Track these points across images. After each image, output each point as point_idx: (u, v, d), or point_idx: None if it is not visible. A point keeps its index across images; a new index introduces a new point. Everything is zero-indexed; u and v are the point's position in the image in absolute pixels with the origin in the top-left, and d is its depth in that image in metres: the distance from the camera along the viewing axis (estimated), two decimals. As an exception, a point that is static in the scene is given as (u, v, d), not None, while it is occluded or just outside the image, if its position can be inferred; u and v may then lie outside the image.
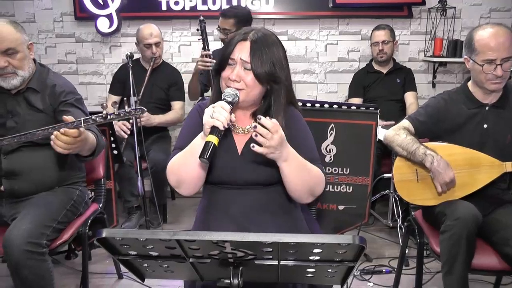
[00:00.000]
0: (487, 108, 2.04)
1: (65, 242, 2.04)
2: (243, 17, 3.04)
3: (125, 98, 1.98)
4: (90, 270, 2.48)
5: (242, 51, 1.51)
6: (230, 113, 1.42)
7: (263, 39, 1.53)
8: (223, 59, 1.55)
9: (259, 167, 1.54)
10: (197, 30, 3.01)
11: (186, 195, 1.58)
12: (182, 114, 3.45)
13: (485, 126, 2.03)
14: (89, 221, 2.18)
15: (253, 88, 1.52)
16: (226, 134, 1.53)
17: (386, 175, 2.99)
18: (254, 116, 1.61)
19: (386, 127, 2.71)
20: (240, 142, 1.60)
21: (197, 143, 1.46)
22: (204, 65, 2.99)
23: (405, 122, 2.15)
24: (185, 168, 1.51)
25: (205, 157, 1.35)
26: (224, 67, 1.54)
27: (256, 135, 1.36)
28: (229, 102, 1.44)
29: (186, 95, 3.43)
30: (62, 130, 1.71)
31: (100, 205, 2.35)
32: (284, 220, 1.60)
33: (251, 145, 1.38)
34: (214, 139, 1.37)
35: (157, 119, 3.29)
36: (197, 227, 1.67)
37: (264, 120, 1.35)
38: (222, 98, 1.46)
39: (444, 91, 2.19)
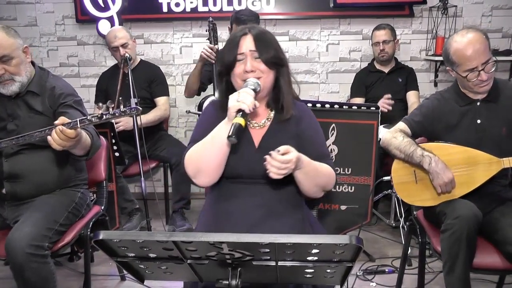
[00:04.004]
0: (478, 103, 2.05)
1: (67, 244, 2.05)
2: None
3: (120, 98, 1.97)
4: (93, 272, 2.50)
5: (248, 44, 1.60)
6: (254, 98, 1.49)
7: (260, 30, 1.66)
8: (231, 58, 1.62)
9: None
10: (206, 31, 3.01)
11: (203, 185, 1.65)
12: (166, 109, 3.34)
13: (478, 121, 2.03)
14: (91, 223, 2.19)
15: (268, 74, 1.62)
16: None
17: (385, 178, 2.97)
18: (268, 107, 1.71)
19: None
20: (256, 136, 1.66)
21: (220, 130, 1.53)
22: (208, 55, 2.98)
23: (401, 124, 2.17)
24: (206, 156, 1.56)
25: (233, 136, 1.40)
26: (233, 66, 1.62)
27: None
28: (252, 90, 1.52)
29: (180, 93, 3.37)
30: (60, 127, 1.72)
31: (102, 207, 2.35)
32: (292, 216, 1.63)
33: (270, 174, 1.45)
34: (241, 121, 1.43)
35: (139, 120, 2.88)
36: (206, 219, 1.68)
37: (275, 155, 1.43)
38: (245, 86, 1.54)
39: (437, 92, 2.23)
